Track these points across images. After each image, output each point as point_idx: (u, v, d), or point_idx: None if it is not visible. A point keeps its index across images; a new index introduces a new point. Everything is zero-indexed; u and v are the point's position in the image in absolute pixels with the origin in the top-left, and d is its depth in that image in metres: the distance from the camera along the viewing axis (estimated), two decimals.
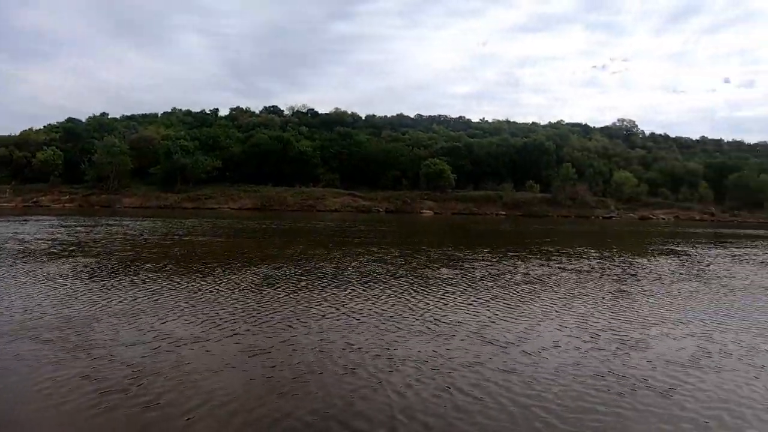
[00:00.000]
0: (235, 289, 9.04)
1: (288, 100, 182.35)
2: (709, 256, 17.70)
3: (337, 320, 6.97)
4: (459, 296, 8.92)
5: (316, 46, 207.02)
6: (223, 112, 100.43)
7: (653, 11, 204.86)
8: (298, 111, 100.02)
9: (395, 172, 70.07)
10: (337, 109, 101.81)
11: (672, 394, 4.62)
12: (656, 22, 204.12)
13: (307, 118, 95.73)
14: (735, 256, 18.31)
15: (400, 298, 8.64)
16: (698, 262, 15.90)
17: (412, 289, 9.44)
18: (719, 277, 12.56)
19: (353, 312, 7.48)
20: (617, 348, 6.02)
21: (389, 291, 9.23)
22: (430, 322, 7.00)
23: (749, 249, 21.64)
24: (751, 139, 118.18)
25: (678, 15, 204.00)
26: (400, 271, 11.67)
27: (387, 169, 70.17)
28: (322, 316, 7.22)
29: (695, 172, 75.50)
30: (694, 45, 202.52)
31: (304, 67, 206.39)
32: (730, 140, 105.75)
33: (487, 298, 8.81)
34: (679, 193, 71.08)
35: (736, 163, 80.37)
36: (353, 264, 12.69)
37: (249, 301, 8.10)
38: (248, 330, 6.35)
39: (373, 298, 8.53)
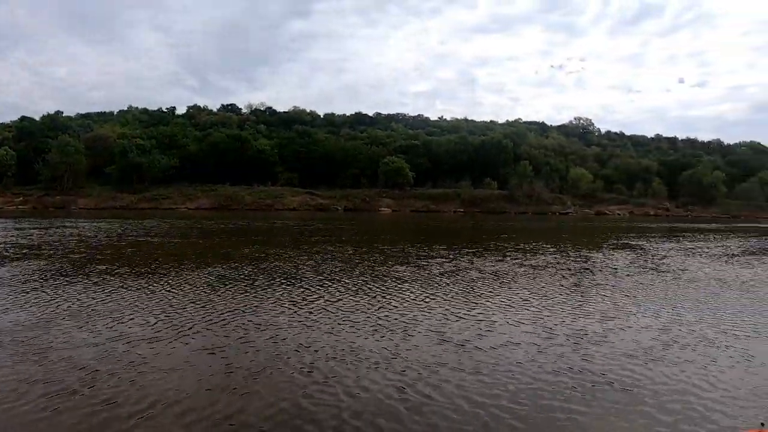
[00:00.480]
0: (189, 289, 9.02)
1: (246, 98, 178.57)
2: (663, 250, 18.36)
3: (292, 319, 7.01)
4: (415, 294, 9.01)
5: (274, 44, 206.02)
6: (180, 110, 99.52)
7: (610, 13, 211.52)
8: (256, 109, 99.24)
9: (354, 170, 70.39)
10: (295, 107, 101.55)
11: (631, 388, 4.69)
12: (613, 23, 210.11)
13: (266, 116, 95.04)
14: (688, 249, 19.05)
15: (355, 296, 8.70)
16: (653, 255, 16.42)
17: (368, 288, 9.51)
18: (673, 270, 12.95)
19: (308, 311, 7.52)
20: (575, 343, 6.09)
21: (345, 289, 9.29)
22: (386, 320, 7.05)
23: (701, 242, 22.58)
24: (704, 137, 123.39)
25: (634, 17, 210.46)
26: (357, 270, 11.77)
27: (346, 168, 70.48)
28: (277, 315, 7.26)
29: (650, 169, 78.29)
30: (650, 46, 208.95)
31: (262, 65, 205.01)
32: (684, 138, 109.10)
33: (443, 296, 8.90)
34: (634, 189, 73.61)
35: (689, 160, 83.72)
36: (309, 263, 12.75)
37: (203, 301, 8.11)
38: (202, 330, 6.38)
39: (329, 297, 8.58)
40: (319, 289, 9.24)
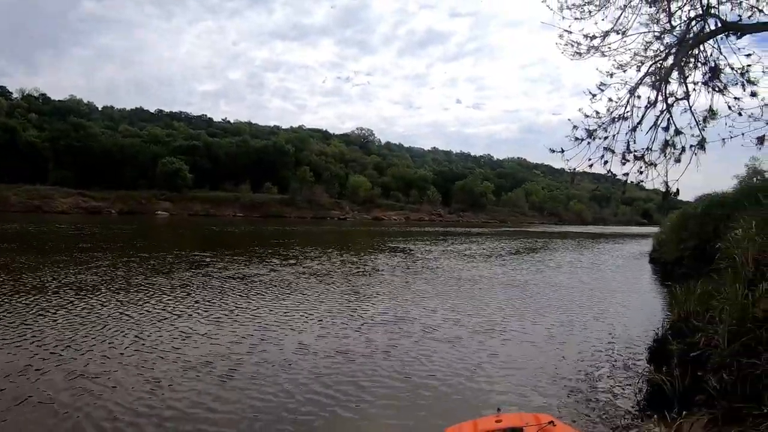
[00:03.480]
0: None
1: (21, 82, 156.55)
2: (435, 252, 20.07)
3: (28, 339, 6.15)
4: (189, 305, 8.49)
5: (64, 25, 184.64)
6: None
7: (400, 35, 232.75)
8: (28, 95, 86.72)
9: (131, 170, 65.21)
10: (72, 96, 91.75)
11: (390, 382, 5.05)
12: (402, 45, 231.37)
13: (38, 103, 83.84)
14: (459, 251, 20.95)
15: (104, 307, 8.02)
16: (424, 257, 17.89)
17: (126, 300, 8.73)
18: (442, 269, 14.48)
19: (50, 325, 6.77)
20: (356, 336, 6.52)
21: (98, 300, 8.53)
22: (142, 336, 6.51)
23: (469, 244, 25.16)
24: (477, 152, 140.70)
25: (422, 42, 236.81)
26: (117, 281, 10.72)
27: (123, 167, 64.81)
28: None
29: (425, 178, 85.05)
30: (434, 68, 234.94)
31: (46, 47, 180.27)
32: (459, 152, 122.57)
33: (210, 305, 8.55)
34: (410, 196, 79.16)
35: (462, 171, 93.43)
36: (64, 273, 11.43)
37: None
38: None
39: (76, 310, 7.80)
40: (69, 302, 8.37)
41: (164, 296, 9.15)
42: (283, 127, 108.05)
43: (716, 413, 3.34)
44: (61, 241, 20.41)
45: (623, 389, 4.99)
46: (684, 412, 3.64)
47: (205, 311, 8.05)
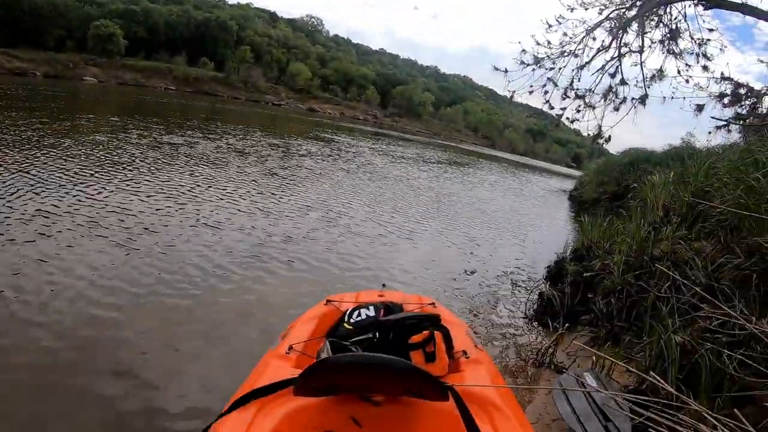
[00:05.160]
0: None
1: None
2: (366, 149, 20.05)
3: None
4: (94, 170, 7.85)
5: None
6: None
7: None
8: None
9: (60, 30, 58.95)
10: None
11: (293, 260, 4.96)
12: None
13: None
14: (390, 152, 21.09)
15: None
16: (355, 152, 17.78)
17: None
18: (370, 165, 14.53)
19: None
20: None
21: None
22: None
23: (401, 148, 25.21)
24: (424, 61, 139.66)
25: None
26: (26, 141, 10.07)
27: (51, 26, 58.19)
28: None
29: (367, 77, 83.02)
30: None
31: None
32: (406, 58, 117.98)
33: (119, 172, 8.02)
34: (348, 92, 77.51)
35: (405, 78, 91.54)
36: None
37: None
38: None
39: None
40: None
41: (70, 160, 8.36)
42: (229, 2, 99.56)
43: (598, 332, 3.58)
44: None
45: (516, 299, 5.19)
46: (567, 324, 3.83)
47: (108, 177, 7.34)
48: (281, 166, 11.28)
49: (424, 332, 1.77)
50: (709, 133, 6.82)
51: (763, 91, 6.20)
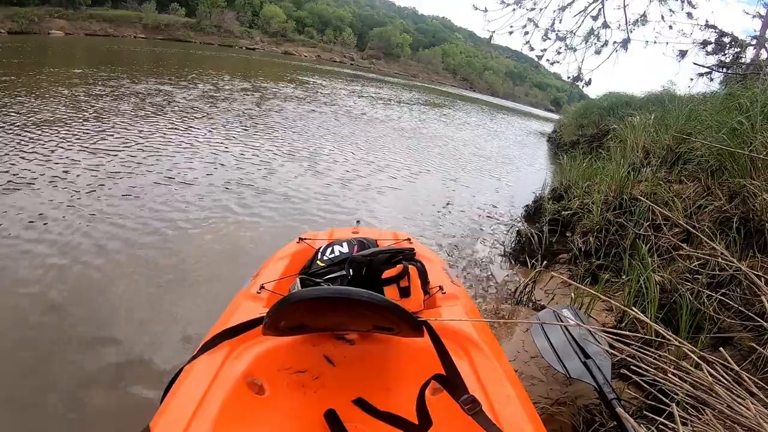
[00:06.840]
0: None
1: None
2: (343, 91, 19.85)
3: None
4: (70, 119, 7.92)
5: None
6: None
7: None
8: None
9: None
10: None
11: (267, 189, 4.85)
12: None
13: None
14: (368, 94, 20.91)
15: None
16: (332, 94, 17.57)
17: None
18: (348, 107, 14.29)
19: None
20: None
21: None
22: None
23: (379, 90, 24.90)
24: (402, 3, 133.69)
25: None
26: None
27: None
28: None
29: (343, 19, 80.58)
30: None
31: None
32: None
33: (93, 120, 8.15)
34: (324, 35, 75.53)
35: (383, 19, 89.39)
36: None
37: None
38: None
39: None
40: None
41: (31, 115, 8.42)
42: None
43: (576, 271, 3.58)
44: None
45: (494, 237, 5.16)
46: (545, 263, 3.81)
47: (71, 131, 6.97)
48: (255, 112, 10.90)
49: (398, 266, 1.71)
50: (691, 79, 6.74)
51: (747, 41, 6.10)
